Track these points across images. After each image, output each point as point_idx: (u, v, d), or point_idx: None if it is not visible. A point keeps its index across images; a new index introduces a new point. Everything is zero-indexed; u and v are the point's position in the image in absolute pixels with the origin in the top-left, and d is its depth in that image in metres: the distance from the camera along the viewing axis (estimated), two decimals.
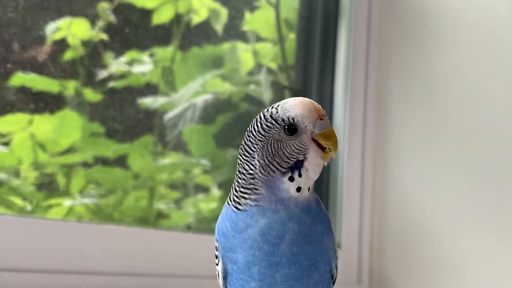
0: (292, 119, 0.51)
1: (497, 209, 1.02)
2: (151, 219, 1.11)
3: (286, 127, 0.51)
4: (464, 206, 1.07)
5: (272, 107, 0.53)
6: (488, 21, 1.09)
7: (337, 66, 1.26)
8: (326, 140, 0.52)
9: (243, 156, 0.53)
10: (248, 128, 0.54)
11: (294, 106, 0.52)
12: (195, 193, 1.17)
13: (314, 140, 0.52)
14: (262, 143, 0.52)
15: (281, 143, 0.51)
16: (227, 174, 1.17)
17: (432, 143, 1.15)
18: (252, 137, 0.53)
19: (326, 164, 0.53)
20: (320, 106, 0.53)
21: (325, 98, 1.25)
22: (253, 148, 0.52)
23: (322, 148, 0.52)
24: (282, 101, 0.53)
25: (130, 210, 1.07)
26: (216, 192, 1.18)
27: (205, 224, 1.17)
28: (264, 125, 0.52)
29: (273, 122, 0.52)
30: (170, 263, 0.96)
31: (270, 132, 0.52)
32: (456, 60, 1.13)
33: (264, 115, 0.53)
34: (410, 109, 1.20)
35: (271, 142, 0.52)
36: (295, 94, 1.26)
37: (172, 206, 1.14)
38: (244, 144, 0.53)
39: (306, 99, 0.52)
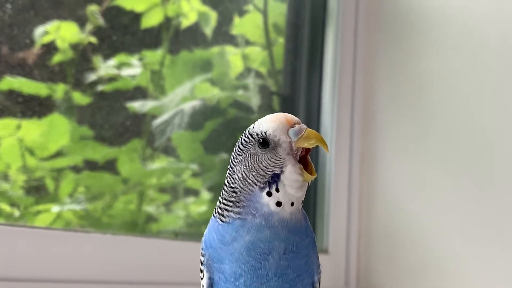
0: (264, 133, 0.53)
1: (485, 211, 1.03)
2: (141, 223, 1.11)
3: (260, 140, 0.53)
4: (452, 209, 1.08)
5: (253, 123, 0.55)
6: (474, 24, 1.10)
7: (324, 71, 1.27)
8: (307, 141, 0.52)
9: (228, 169, 0.55)
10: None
11: (267, 120, 0.53)
12: (185, 196, 1.18)
13: (297, 152, 0.52)
14: (241, 157, 0.54)
15: (257, 157, 0.53)
16: (216, 179, 1.18)
17: (419, 146, 1.15)
18: (235, 151, 0.55)
19: (308, 183, 0.53)
20: (293, 117, 0.53)
21: (313, 103, 1.26)
22: (234, 162, 0.54)
23: (304, 164, 0.53)
24: (261, 118, 0.55)
25: (119, 215, 1.08)
26: (205, 195, 1.19)
27: (194, 228, 1.17)
28: (243, 140, 0.54)
29: (250, 136, 0.54)
30: (158, 271, 0.96)
31: (247, 147, 0.54)
32: (442, 64, 1.14)
33: (245, 131, 0.55)
34: (397, 113, 1.21)
35: (248, 156, 0.53)
36: (283, 99, 1.27)
37: (162, 209, 1.14)
38: (230, 158, 0.55)
39: (281, 113, 0.54)
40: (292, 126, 0.53)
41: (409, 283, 1.12)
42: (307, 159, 0.53)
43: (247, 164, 0.53)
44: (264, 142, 0.53)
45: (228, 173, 0.55)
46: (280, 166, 0.52)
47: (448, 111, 1.11)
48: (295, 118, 0.53)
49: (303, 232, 0.53)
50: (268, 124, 0.53)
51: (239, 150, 0.54)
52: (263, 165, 0.52)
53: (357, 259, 1.21)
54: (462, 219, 1.06)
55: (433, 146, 1.13)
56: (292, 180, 0.52)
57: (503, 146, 1.02)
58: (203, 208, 1.18)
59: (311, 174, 0.52)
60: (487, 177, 1.04)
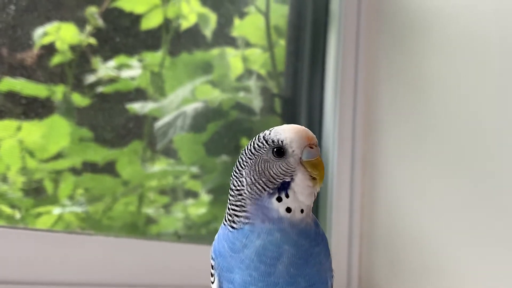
0: (281, 141, 0.53)
1: (486, 213, 1.03)
2: (140, 226, 1.11)
3: (275, 149, 0.53)
4: (453, 211, 1.08)
5: (268, 130, 0.55)
6: (475, 25, 1.10)
7: (326, 73, 1.27)
8: (312, 169, 0.53)
9: (233, 172, 0.55)
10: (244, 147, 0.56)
11: (286, 130, 0.54)
12: (184, 198, 1.17)
13: (302, 164, 0.53)
14: (251, 161, 0.54)
15: (268, 164, 0.53)
16: (217, 181, 1.18)
17: (422, 148, 1.15)
18: (244, 155, 0.55)
19: (318, 189, 0.54)
20: (313, 135, 0.54)
21: (315, 105, 1.26)
22: (242, 165, 0.54)
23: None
24: (278, 126, 0.55)
25: (119, 217, 1.07)
26: (205, 197, 1.18)
27: (194, 230, 1.17)
28: (255, 145, 0.54)
29: (264, 142, 0.54)
30: (160, 273, 0.96)
31: (260, 152, 0.54)
32: (444, 65, 1.14)
33: (258, 136, 0.55)
34: (400, 114, 1.21)
35: (259, 161, 0.53)
36: (285, 101, 1.27)
37: (161, 211, 1.14)
38: (237, 161, 0.55)
39: (301, 126, 0.54)
40: (310, 146, 0.53)
41: (411, 285, 1.12)
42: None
43: (257, 169, 0.53)
44: (280, 151, 0.53)
45: (234, 176, 0.55)
46: (291, 174, 0.53)
47: (449, 112, 1.12)
48: (315, 138, 0.54)
49: (312, 238, 0.53)
50: (286, 134, 0.53)
51: (250, 153, 0.54)
52: (273, 172, 0.53)
53: (359, 260, 1.21)
54: (464, 221, 1.06)
55: (435, 148, 1.13)
56: (303, 187, 0.53)
57: (504, 147, 1.02)
58: (202, 210, 1.18)
59: (318, 181, 0.53)
60: (489, 179, 1.04)
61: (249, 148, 0.55)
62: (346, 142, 1.23)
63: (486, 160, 1.05)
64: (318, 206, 1.22)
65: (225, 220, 0.55)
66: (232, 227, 0.54)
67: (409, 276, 1.12)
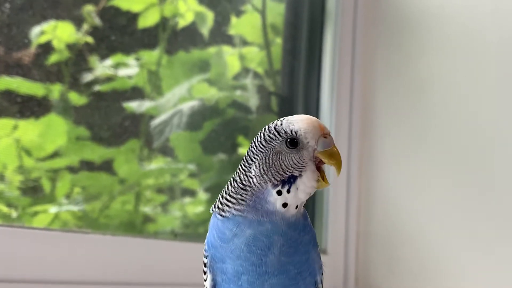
0: (295, 132, 0.52)
1: (483, 212, 1.03)
2: (138, 224, 1.11)
3: (289, 139, 0.52)
4: (450, 210, 1.08)
5: (278, 120, 0.53)
6: (473, 24, 1.10)
7: (323, 72, 1.27)
8: (329, 159, 0.52)
9: (242, 165, 0.54)
10: (252, 140, 0.55)
11: (299, 121, 0.52)
12: (182, 196, 1.17)
13: (315, 160, 0.52)
14: (262, 154, 0.53)
15: (281, 155, 0.52)
16: (214, 179, 1.18)
17: (418, 147, 1.16)
18: (254, 147, 0.53)
19: (317, 188, 0.53)
20: (325, 125, 0.53)
21: (311, 104, 1.26)
22: (253, 158, 0.53)
23: (320, 171, 0.53)
24: (289, 116, 0.54)
25: (116, 215, 1.07)
26: (202, 195, 1.19)
27: (191, 228, 1.17)
28: (267, 136, 0.53)
29: (276, 133, 0.52)
30: (157, 272, 0.96)
31: (272, 144, 0.52)
32: (441, 64, 1.14)
33: (268, 127, 0.53)
34: (396, 114, 1.21)
35: (270, 153, 0.52)
36: (281, 100, 1.27)
37: (159, 210, 1.14)
38: (246, 155, 0.54)
39: (313, 117, 0.53)
40: (324, 136, 0.52)
41: (408, 284, 1.12)
42: (322, 168, 0.53)
43: (268, 161, 0.52)
44: (293, 142, 0.52)
45: (242, 169, 0.53)
46: (301, 169, 0.52)
47: (447, 112, 1.12)
48: (327, 128, 0.53)
49: (301, 229, 0.53)
50: (300, 124, 0.52)
51: (262, 146, 0.53)
52: (284, 165, 0.52)
53: (355, 259, 1.21)
54: (461, 220, 1.06)
55: (432, 147, 1.13)
56: (307, 186, 0.52)
57: (502, 147, 1.03)
58: (200, 209, 1.18)
59: (325, 182, 0.53)
60: (486, 178, 1.04)
61: (259, 140, 0.53)
62: (342, 141, 1.24)
63: (484, 159, 1.05)
64: (315, 204, 1.22)
65: (214, 207, 0.54)
66: (221, 215, 0.53)
67: (406, 274, 1.12)
